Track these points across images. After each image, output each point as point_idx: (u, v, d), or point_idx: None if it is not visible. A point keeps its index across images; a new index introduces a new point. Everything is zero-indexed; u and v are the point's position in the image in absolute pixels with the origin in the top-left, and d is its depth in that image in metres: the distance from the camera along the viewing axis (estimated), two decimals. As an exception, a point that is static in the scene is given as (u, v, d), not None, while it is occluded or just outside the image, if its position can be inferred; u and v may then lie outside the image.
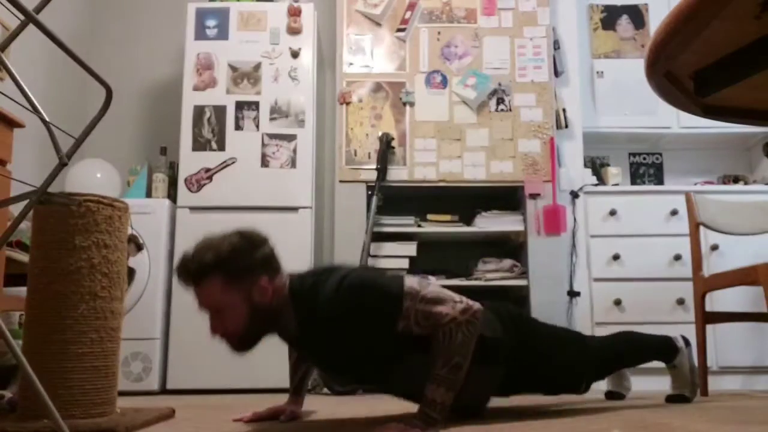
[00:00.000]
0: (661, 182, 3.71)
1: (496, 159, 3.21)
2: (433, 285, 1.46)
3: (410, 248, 3.11)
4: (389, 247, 3.11)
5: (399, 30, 3.34)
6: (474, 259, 3.20)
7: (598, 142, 3.58)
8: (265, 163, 3.11)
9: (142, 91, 3.75)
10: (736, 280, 2.39)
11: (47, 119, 1.15)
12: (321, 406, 2.10)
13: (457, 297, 1.42)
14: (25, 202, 1.17)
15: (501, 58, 3.31)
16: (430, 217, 3.23)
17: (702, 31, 1.04)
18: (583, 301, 3.11)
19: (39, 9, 1.07)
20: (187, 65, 3.19)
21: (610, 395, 2.25)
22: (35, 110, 1.16)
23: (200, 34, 3.22)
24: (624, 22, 3.62)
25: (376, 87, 3.28)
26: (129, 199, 2.68)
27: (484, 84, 3.26)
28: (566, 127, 3.33)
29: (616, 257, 3.14)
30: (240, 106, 3.16)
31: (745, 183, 3.53)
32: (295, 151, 3.13)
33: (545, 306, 2.99)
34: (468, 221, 3.23)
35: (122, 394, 1.81)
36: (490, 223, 3.16)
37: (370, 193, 3.14)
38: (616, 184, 3.41)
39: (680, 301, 3.07)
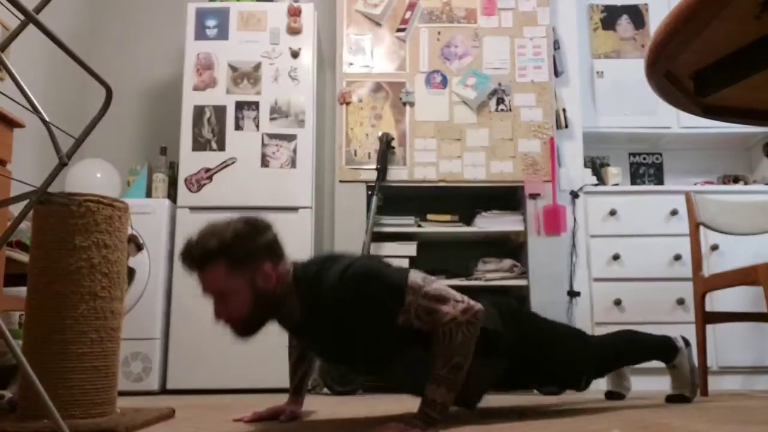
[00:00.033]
0: (661, 182, 3.71)
1: (496, 159, 3.21)
2: (437, 282, 1.46)
3: (410, 248, 3.11)
4: (389, 247, 3.11)
5: (399, 30, 3.34)
6: (474, 259, 3.20)
7: (598, 142, 3.58)
8: (265, 163, 3.11)
9: (142, 91, 3.75)
10: (736, 280, 2.39)
11: (47, 119, 1.15)
12: (321, 406, 2.10)
13: (458, 296, 1.42)
14: (25, 202, 1.17)
15: (501, 58, 3.31)
16: (430, 217, 3.23)
17: (702, 31, 1.04)
18: (583, 301, 3.11)
19: (39, 9, 1.07)
20: (187, 65, 3.19)
21: (610, 395, 2.25)
22: (35, 110, 1.16)
23: (200, 34, 3.22)
24: (624, 22, 3.62)
25: (376, 87, 3.28)
26: (129, 199, 2.68)
27: (484, 84, 3.26)
28: (566, 127, 3.33)
29: (616, 257, 3.15)
30: (240, 106, 3.16)
31: (745, 183, 3.53)
32: (295, 151, 3.13)
33: (545, 306, 2.98)
34: (468, 221, 3.23)
35: (122, 394, 1.81)
36: (490, 223, 3.16)
37: (370, 193, 3.14)
38: (616, 184, 3.41)
39: (680, 301, 3.07)
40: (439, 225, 3.20)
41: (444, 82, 3.28)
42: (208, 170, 3.10)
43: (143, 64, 3.76)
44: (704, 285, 2.57)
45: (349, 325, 1.47)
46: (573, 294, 3.11)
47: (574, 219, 3.20)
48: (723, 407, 1.98)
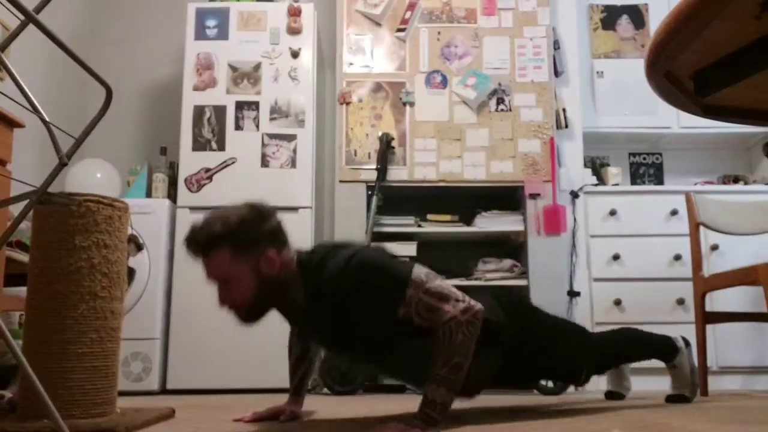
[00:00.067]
0: (661, 182, 3.71)
1: (496, 159, 3.21)
2: (440, 279, 1.45)
3: (410, 248, 3.11)
4: (389, 247, 3.11)
5: (399, 30, 3.34)
6: (474, 259, 3.20)
7: (598, 142, 3.58)
8: (265, 163, 3.11)
9: (142, 91, 3.75)
10: (736, 280, 2.39)
11: (47, 119, 1.15)
12: (321, 406, 2.10)
13: (460, 295, 1.42)
14: (25, 202, 1.17)
15: (501, 58, 3.31)
16: (430, 217, 3.23)
17: (702, 31, 1.04)
18: (583, 301, 3.11)
19: (39, 9, 1.07)
20: (187, 65, 3.19)
21: (610, 395, 2.25)
22: (35, 110, 1.16)
23: (200, 34, 3.22)
24: (624, 22, 3.62)
25: (376, 87, 3.29)
26: (129, 199, 2.68)
27: (484, 84, 3.26)
28: (566, 127, 3.33)
29: (616, 257, 3.15)
30: (240, 106, 3.16)
31: (745, 183, 3.53)
32: (295, 151, 3.13)
33: (545, 306, 2.96)
34: (468, 221, 3.23)
35: (122, 394, 1.81)
36: (490, 223, 3.16)
37: (370, 193, 3.14)
38: (616, 184, 3.41)
39: (680, 301, 3.08)
40: (439, 225, 3.20)
41: (444, 82, 3.28)
42: (208, 170, 3.11)
43: (143, 64, 3.76)
44: (704, 285, 2.57)
45: (350, 313, 1.47)
46: (573, 294, 3.11)
47: (574, 219, 3.20)
48: (723, 407, 1.98)
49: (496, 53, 3.31)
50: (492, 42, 3.32)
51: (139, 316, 2.85)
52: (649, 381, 2.64)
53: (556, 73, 3.35)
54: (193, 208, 3.05)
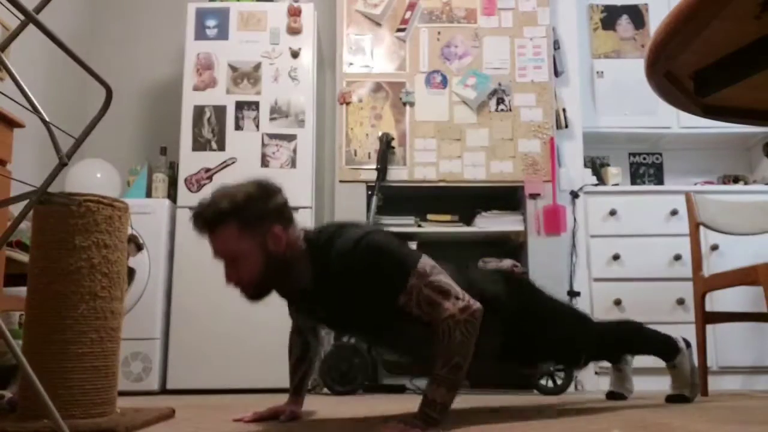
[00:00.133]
0: (661, 182, 3.71)
1: (496, 159, 3.21)
2: (444, 274, 1.45)
3: (410, 248, 3.11)
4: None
5: (399, 30, 3.34)
6: (474, 259, 3.18)
7: (598, 142, 3.58)
8: (265, 163, 3.11)
9: (142, 91, 3.75)
10: (736, 280, 2.39)
11: (47, 119, 1.15)
12: (321, 406, 2.10)
13: (460, 293, 1.42)
14: (25, 202, 1.17)
15: (501, 58, 3.31)
16: (430, 217, 3.23)
17: (702, 31, 1.04)
18: (583, 301, 3.11)
19: (39, 9, 1.07)
20: (187, 65, 3.19)
21: (611, 395, 2.25)
22: (35, 110, 1.16)
23: (200, 34, 3.22)
24: (624, 22, 3.62)
25: (376, 87, 3.29)
26: (129, 199, 2.67)
27: (484, 84, 3.26)
28: (566, 127, 3.33)
29: (616, 257, 3.15)
30: (240, 106, 3.16)
31: (745, 183, 3.53)
32: (295, 151, 3.13)
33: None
34: (468, 221, 3.23)
35: (122, 394, 1.80)
36: (490, 223, 3.16)
37: (370, 193, 3.14)
38: (616, 184, 3.41)
39: (680, 301, 3.07)
40: (439, 225, 3.20)
41: (444, 82, 3.28)
42: (208, 170, 3.10)
43: (143, 64, 3.76)
44: (704, 285, 2.57)
45: (354, 293, 1.48)
46: (573, 294, 3.11)
47: (574, 219, 3.20)
48: (723, 407, 1.98)
49: (496, 53, 3.31)
50: (492, 42, 3.32)
51: (139, 316, 2.85)
52: (649, 381, 2.64)
53: (556, 73, 3.35)
54: (193, 208, 3.04)
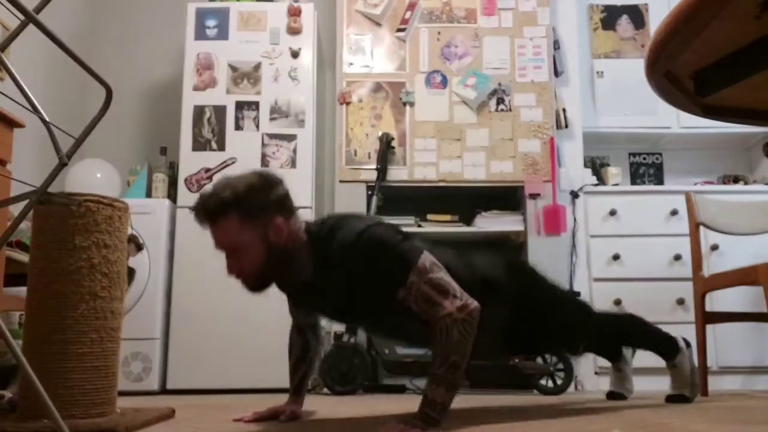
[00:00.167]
0: (661, 182, 3.71)
1: (496, 159, 3.21)
2: (443, 272, 1.45)
3: (410, 248, 3.11)
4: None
5: (399, 30, 3.34)
6: (474, 259, 3.20)
7: (598, 142, 3.58)
8: (265, 163, 3.11)
9: (142, 91, 3.75)
10: (736, 280, 2.39)
11: (47, 119, 1.15)
12: (321, 406, 2.10)
13: (458, 291, 1.42)
14: (25, 202, 1.17)
15: (501, 58, 3.31)
16: (430, 217, 3.23)
17: (702, 31, 1.04)
18: (583, 301, 3.11)
19: (39, 9, 1.07)
20: (187, 65, 3.19)
21: (611, 395, 2.25)
22: (35, 110, 1.16)
23: (200, 34, 3.22)
24: (624, 22, 3.62)
25: (376, 87, 3.29)
26: (129, 199, 2.67)
27: (484, 84, 3.26)
28: (566, 127, 3.33)
29: (616, 257, 3.15)
30: (240, 106, 3.16)
31: (745, 183, 3.53)
32: (295, 151, 3.13)
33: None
34: (468, 221, 3.23)
35: (122, 394, 1.80)
36: (490, 223, 3.16)
37: (370, 193, 3.14)
38: (616, 184, 3.41)
39: (680, 301, 3.07)
40: (439, 225, 3.20)
41: (444, 82, 3.28)
42: (208, 170, 3.10)
43: (143, 64, 3.76)
44: (704, 285, 2.57)
45: (354, 285, 1.49)
46: (573, 294, 3.11)
47: (574, 219, 3.20)
48: (723, 407, 1.98)
49: (496, 53, 3.31)
50: (492, 42, 3.32)
51: (139, 316, 2.85)
52: (649, 381, 2.64)
53: (556, 73, 3.35)
54: (193, 208, 3.04)
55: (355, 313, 1.67)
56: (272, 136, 3.14)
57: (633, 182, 3.71)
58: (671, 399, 2.10)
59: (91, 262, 1.54)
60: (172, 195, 3.19)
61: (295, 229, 1.51)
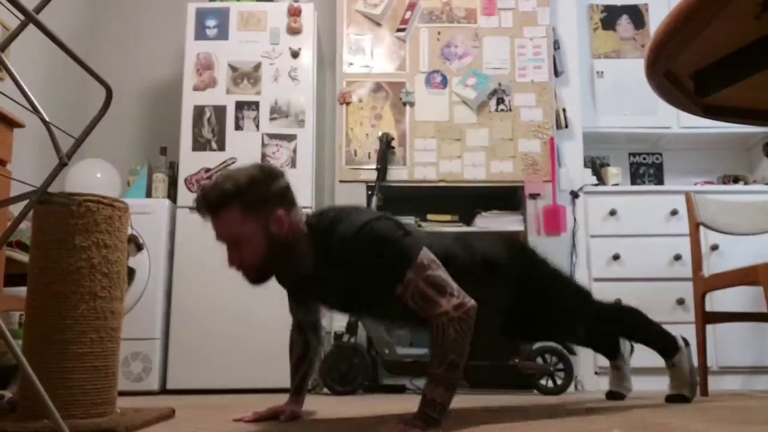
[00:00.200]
0: (661, 182, 3.71)
1: (496, 159, 3.21)
2: (442, 269, 1.45)
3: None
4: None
5: (399, 30, 3.34)
6: (474, 259, 3.19)
7: (598, 142, 3.58)
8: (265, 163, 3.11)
9: (142, 91, 3.75)
10: (736, 280, 2.39)
11: (47, 119, 1.15)
12: (321, 406, 2.10)
13: (455, 290, 1.42)
14: (25, 202, 1.17)
15: (501, 58, 3.31)
16: (430, 217, 3.23)
17: (702, 31, 1.04)
18: (583, 301, 3.11)
19: (39, 9, 1.07)
20: (187, 65, 3.19)
21: (610, 395, 2.25)
22: (35, 110, 1.16)
23: (200, 34, 3.22)
24: (624, 22, 3.62)
25: (376, 87, 3.29)
26: (129, 199, 2.67)
27: (484, 84, 3.26)
28: (566, 127, 3.33)
29: (616, 257, 3.14)
30: (240, 106, 3.16)
31: (745, 183, 3.53)
32: (295, 151, 3.13)
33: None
34: (468, 221, 3.22)
35: (122, 394, 1.81)
36: (490, 223, 3.16)
37: (370, 193, 3.14)
38: (616, 184, 3.41)
39: (680, 301, 3.07)
40: (439, 225, 3.20)
41: (444, 82, 3.28)
42: (208, 170, 3.10)
43: (143, 64, 3.76)
44: (704, 285, 2.57)
45: (353, 278, 1.50)
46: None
47: (574, 219, 3.20)
48: (723, 407, 1.98)
49: (496, 53, 3.31)
50: (492, 42, 3.32)
51: (139, 316, 2.85)
52: (649, 381, 2.64)
53: (556, 73, 3.35)
54: (193, 208, 3.03)
55: (355, 304, 1.70)
56: (272, 136, 3.14)
57: (633, 182, 3.71)
58: (671, 399, 2.10)
59: (91, 262, 1.54)
60: (172, 195, 3.19)
61: (296, 222, 1.52)
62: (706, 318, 2.56)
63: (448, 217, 3.22)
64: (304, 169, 3.11)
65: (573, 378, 2.79)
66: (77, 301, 1.51)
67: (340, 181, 3.20)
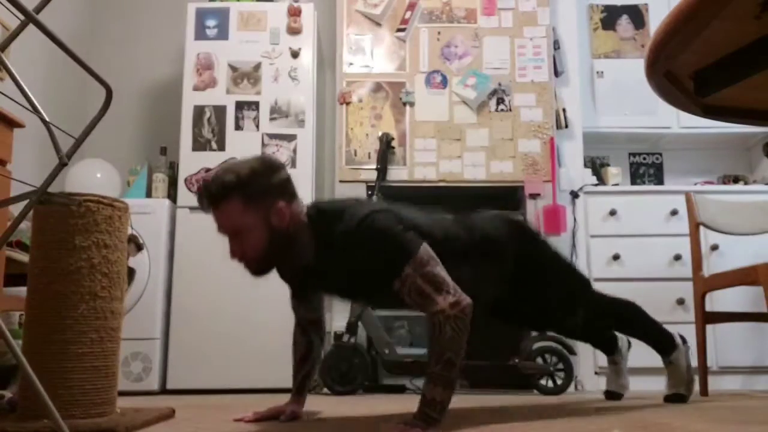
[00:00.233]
0: (661, 182, 3.71)
1: (496, 159, 3.21)
2: (441, 267, 1.46)
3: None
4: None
5: (399, 30, 3.34)
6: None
7: (598, 142, 3.58)
8: (265, 163, 3.11)
9: (142, 91, 3.75)
10: (736, 280, 2.39)
11: (47, 119, 1.15)
12: (321, 406, 2.10)
13: (452, 288, 1.42)
14: (25, 202, 1.17)
15: (501, 58, 3.31)
16: (430, 217, 3.22)
17: (702, 31, 1.04)
18: (583, 301, 3.11)
19: (39, 9, 1.07)
20: (187, 65, 3.19)
21: (608, 395, 2.25)
22: (35, 110, 1.16)
23: (200, 34, 3.22)
24: (624, 22, 3.62)
25: (376, 87, 3.29)
26: (129, 199, 2.68)
27: (484, 84, 3.26)
28: (566, 127, 3.33)
29: (616, 257, 3.14)
30: (240, 106, 3.16)
31: (745, 183, 3.53)
32: (295, 151, 3.13)
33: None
34: (468, 221, 3.22)
35: (122, 394, 1.81)
36: (490, 223, 3.16)
37: (370, 193, 3.14)
38: (616, 184, 3.41)
39: (680, 301, 3.07)
40: (439, 225, 3.19)
41: (444, 82, 3.28)
42: (208, 170, 3.10)
43: (143, 64, 3.76)
44: (704, 285, 2.57)
45: (352, 270, 1.52)
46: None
47: (574, 219, 3.20)
48: (723, 407, 1.98)
49: (496, 53, 3.31)
50: (492, 42, 3.32)
51: (139, 316, 2.85)
52: (648, 381, 2.64)
53: (556, 73, 3.35)
54: (193, 208, 3.05)
55: (356, 294, 1.73)
56: (272, 136, 3.14)
57: (633, 182, 3.71)
58: (669, 399, 2.10)
59: (91, 262, 1.54)
60: (172, 195, 3.19)
61: (297, 213, 1.52)
62: (706, 318, 2.56)
63: (448, 217, 3.22)
64: (304, 169, 3.11)
65: (573, 378, 2.79)
66: (77, 301, 1.51)
67: (340, 181, 3.20)
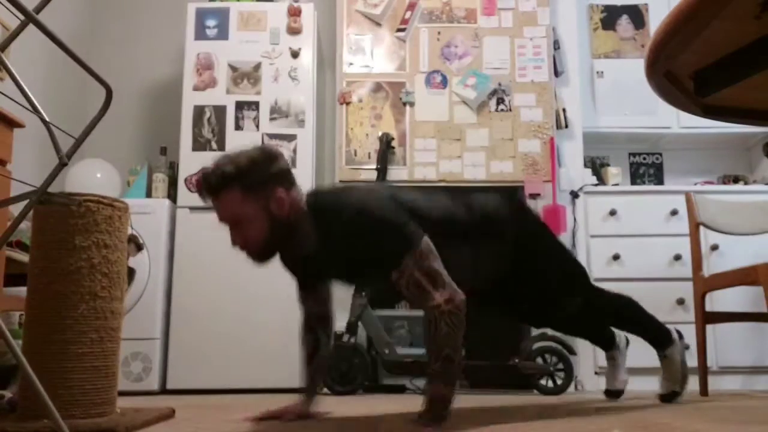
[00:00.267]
0: (661, 182, 3.71)
1: (496, 159, 3.21)
2: (438, 262, 1.46)
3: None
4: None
5: (399, 30, 3.34)
6: (474, 259, 3.19)
7: (598, 142, 3.58)
8: (265, 163, 3.11)
9: (142, 91, 3.75)
10: (736, 280, 2.39)
11: (47, 119, 1.15)
12: (321, 406, 2.09)
13: (447, 283, 1.43)
14: (25, 202, 1.17)
15: (501, 58, 3.31)
16: (430, 217, 3.22)
17: (702, 31, 1.04)
18: (583, 301, 3.11)
19: (39, 9, 1.07)
20: (187, 65, 3.19)
21: (608, 394, 2.25)
22: (35, 110, 1.16)
23: (200, 34, 3.22)
24: (624, 22, 3.62)
25: (376, 87, 3.28)
26: (129, 199, 2.67)
27: (484, 84, 3.26)
28: (566, 127, 3.33)
29: (616, 257, 3.14)
30: (240, 106, 3.16)
31: (745, 183, 3.53)
32: (295, 151, 3.13)
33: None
34: (468, 221, 3.22)
35: (122, 394, 1.80)
36: (490, 223, 3.16)
37: (370, 193, 3.14)
38: (616, 184, 3.41)
39: (680, 301, 3.07)
40: (439, 225, 3.20)
41: (444, 82, 3.28)
42: (208, 170, 3.10)
43: (143, 64, 3.76)
44: (704, 285, 2.57)
45: (352, 258, 1.53)
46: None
47: (574, 219, 3.20)
48: (723, 407, 1.98)
49: (496, 53, 3.31)
50: (492, 42, 3.32)
51: (139, 316, 2.85)
52: (648, 381, 2.63)
53: (556, 73, 3.35)
54: (193, 208, 3.05)
55: (356, 280, 1.78)
56: (272, 136, 3.14)
57: (633, 182, 3.71)
58: (665, 398, 2.10)
59: (91, 262, 1.54)
60: (172, 195, 3.19)
61: (297, 201, 1.53)
62: (706, 318, 2.56)
63: (448, 217, 3.22)
64: (304, 169, 3.11)
65: (573, 378, 2.79)
66: (77, 301, 1.51)
67: (340, 181, 3.20)
